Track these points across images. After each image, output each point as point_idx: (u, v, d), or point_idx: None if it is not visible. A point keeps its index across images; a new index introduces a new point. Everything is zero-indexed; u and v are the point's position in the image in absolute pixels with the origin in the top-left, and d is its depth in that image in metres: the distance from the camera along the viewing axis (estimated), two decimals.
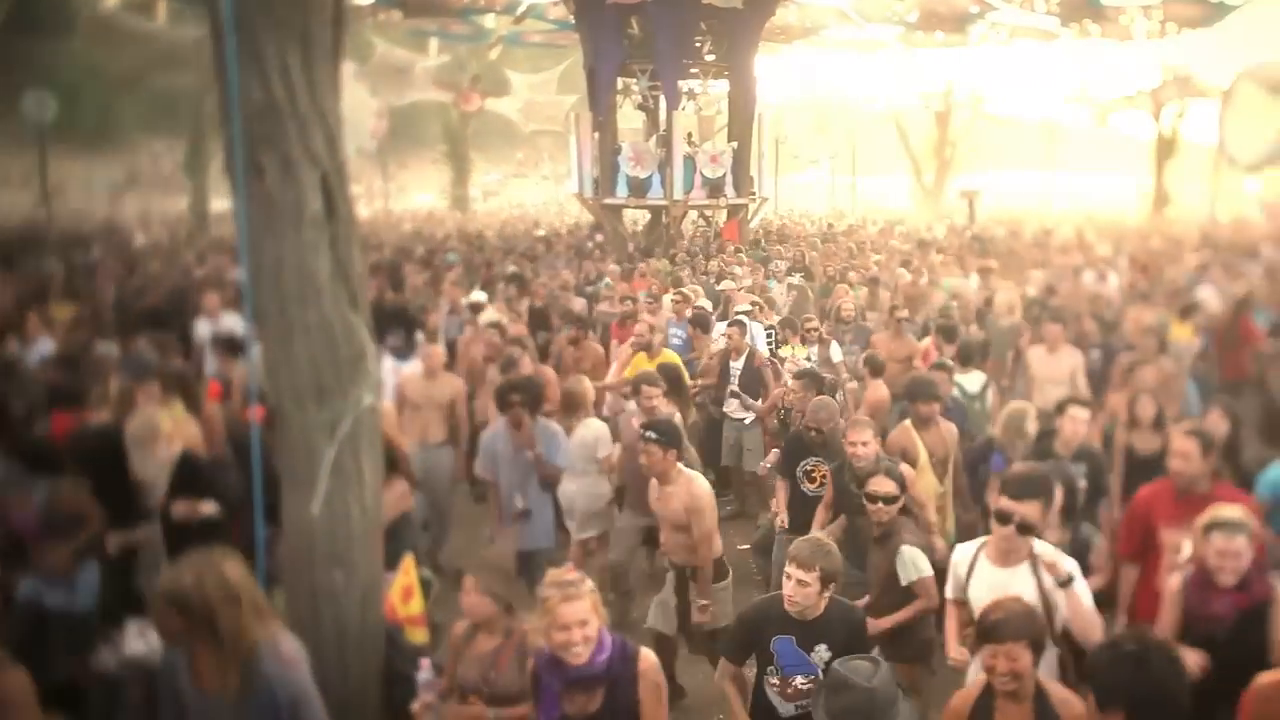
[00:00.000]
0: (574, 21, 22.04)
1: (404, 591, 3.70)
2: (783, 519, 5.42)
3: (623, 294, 9.77)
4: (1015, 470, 3.79)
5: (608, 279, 11.54)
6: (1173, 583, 3.52)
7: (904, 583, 4.05)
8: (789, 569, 3.40)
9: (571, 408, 5.74)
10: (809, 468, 5.35)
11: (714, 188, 19.84)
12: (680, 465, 4.64)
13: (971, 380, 6.59)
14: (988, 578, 3.50)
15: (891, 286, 11.58)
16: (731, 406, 7.21)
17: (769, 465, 5.90)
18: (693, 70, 20.69)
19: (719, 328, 7.98)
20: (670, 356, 7.07)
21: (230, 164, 3.10)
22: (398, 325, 7.66)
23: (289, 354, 3.15)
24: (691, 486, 4.56)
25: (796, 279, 11.53)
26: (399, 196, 41.98)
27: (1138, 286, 10.90)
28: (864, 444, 4.77)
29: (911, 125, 35.52)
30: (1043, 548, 3.49)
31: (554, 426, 5.61)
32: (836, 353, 7.64)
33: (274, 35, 3.02)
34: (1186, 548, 3.55)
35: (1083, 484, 4.64)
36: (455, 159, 42.18)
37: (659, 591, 4.97)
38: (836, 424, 5.46)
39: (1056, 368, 6.99)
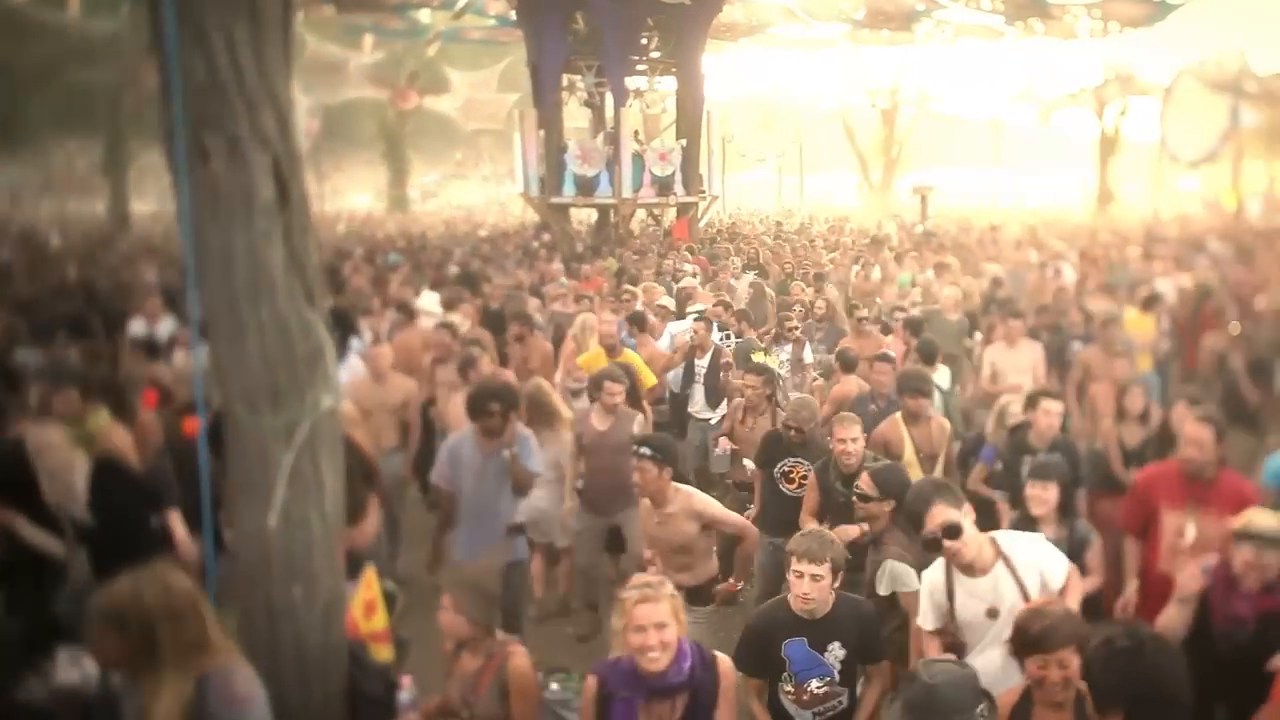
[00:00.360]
0: (515, 17, 21.84)
1: (366, 606, 3.53)
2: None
3: (576, 293, 9.66)
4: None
5: (563, 278, 11.42)
6: (1192, 584, 3.49)
7: (882, 592, 3.96)
8: (798, 566, 3.30)
9: (543, 416, 5.60)
10: (787, 468, 5.27)
11: (663, 186, 19.83)
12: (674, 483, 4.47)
13: (941, 376, 6.63)
14: (971, 590, 3.40)
15: (847, 283, 11.70)
16: (697, 406, 7.13)
17: (749, 466, 5.80)
18: (640, 67, 20.65)
19: (679, 325, 7.91)
20: (631, 356, 6.95)
21: (170, 148, 2.91)
22: (334, 327, 7.39)
23: (240, 354, 2.96)
24: (693, 502, 4.40)
25: (752, 276, 11.55)
26: (334, 198, 41.11)
27: (1089, 280, 11.18)
28: (852, 440, 4.71)
29: (858, 123, 36.00)
30: (1007, 541, 3.43)
31: (525, 430, 5.45)
32: (809, 353, 7.63)
33: (218, 7, 2.84)
34: (1190, 531, 3.56)
35: None
36: (393, 159, 41.50)
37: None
38: (817, 422, 5.42)
39: (1017, 361, 7.12)
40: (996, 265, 11.96)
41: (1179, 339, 8.18)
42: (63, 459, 4.65)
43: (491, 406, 5.06)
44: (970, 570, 3.38)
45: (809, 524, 4.88)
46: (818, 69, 32.54)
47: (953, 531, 3.30)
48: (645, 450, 4.32)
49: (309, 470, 3.06)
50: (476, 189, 47.66)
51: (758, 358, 7.00)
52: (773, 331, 8.41)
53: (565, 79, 20.57)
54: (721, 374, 7.09)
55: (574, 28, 19.91)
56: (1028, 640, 2.82)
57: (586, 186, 19.59)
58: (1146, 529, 4.15)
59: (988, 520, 4.32)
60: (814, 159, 36.94)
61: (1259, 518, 3.45)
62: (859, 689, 3.51)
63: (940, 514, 3.31)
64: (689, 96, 20.69)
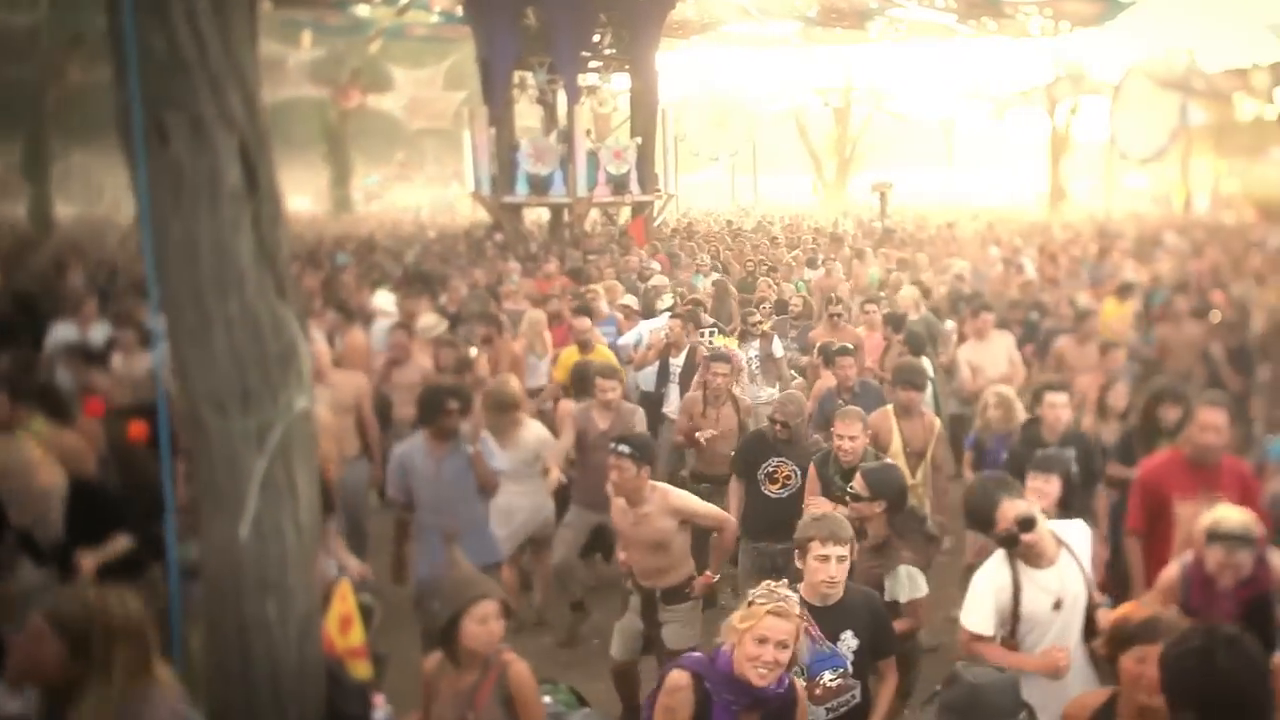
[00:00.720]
0: (463, 13, 21.60)
1: (342, 621, 3.36)
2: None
3: (529, 293, 9.64)
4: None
5: (515, 276, 11.31)
6: (1170, 572, 3.49)
7: (899, 599, 3.85)
8: (823, 550, 3.25)
9: (503, 408, 5.45)
10: (772, 469, 5.15)
11: (618, 185, 19.75)
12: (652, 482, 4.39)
13: (925, 367, 6.63)
14: (1041, 583, 3.34)
15: (808, 280, 11.76)
16: (671, 406, 7.03)
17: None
18: (592, 64, 20.56)
19: (653, 324, 7.83)
20: (604, 353, 6.86)
21: (125, 129, 2.72)
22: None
23: (207, 352, 2.78)
24: (670, 499, 4.32)
25: (715, 276, 11.54)
26: None
27: (1046, 273, 11.41)
28: (852, 438, 4.64)
29: (811, 122, 36.33)
30: (1059, 529, 3.42)
31: (484, 432, 5.31)
32: (778, 348, 7.58)
33: None
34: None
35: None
36: (335, 160, 40.76)
37: (615, 609, 4.74)
38: (805, 418, 5.35)
39: (993, 355, 7.17)
40: (962, 261, 12.10)
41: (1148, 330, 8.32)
42: (34, 479, 4.37)
43: (449, 405, 4.92)
44: (1039, 562, 3.36)
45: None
46: (771, 67, 32.83)
47: (1028, 524, 3.26)
48: (624, 448, 4.26)
49: (282, 477, 2.88)
50: (421, 190, 47.05)
51: (719, 341, 6.90)
52: (738, 329, 8.37)
53: (517, 76, 20.40)
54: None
55: (525, 23, 19.74)
56: (1128, 634, 2.75)
57: (540, 185, 19.43)
58: (1156, 526, 4.14)
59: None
60: (767, 158, 37.19)
61: (1227, 517, 3.41)
62: (870, 686, 3.47)
63: (1011, 509, 3.28)
64: (643, 94, 20.64)
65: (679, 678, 3.01)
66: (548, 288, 10.55)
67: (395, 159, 46.45)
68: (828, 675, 3.30)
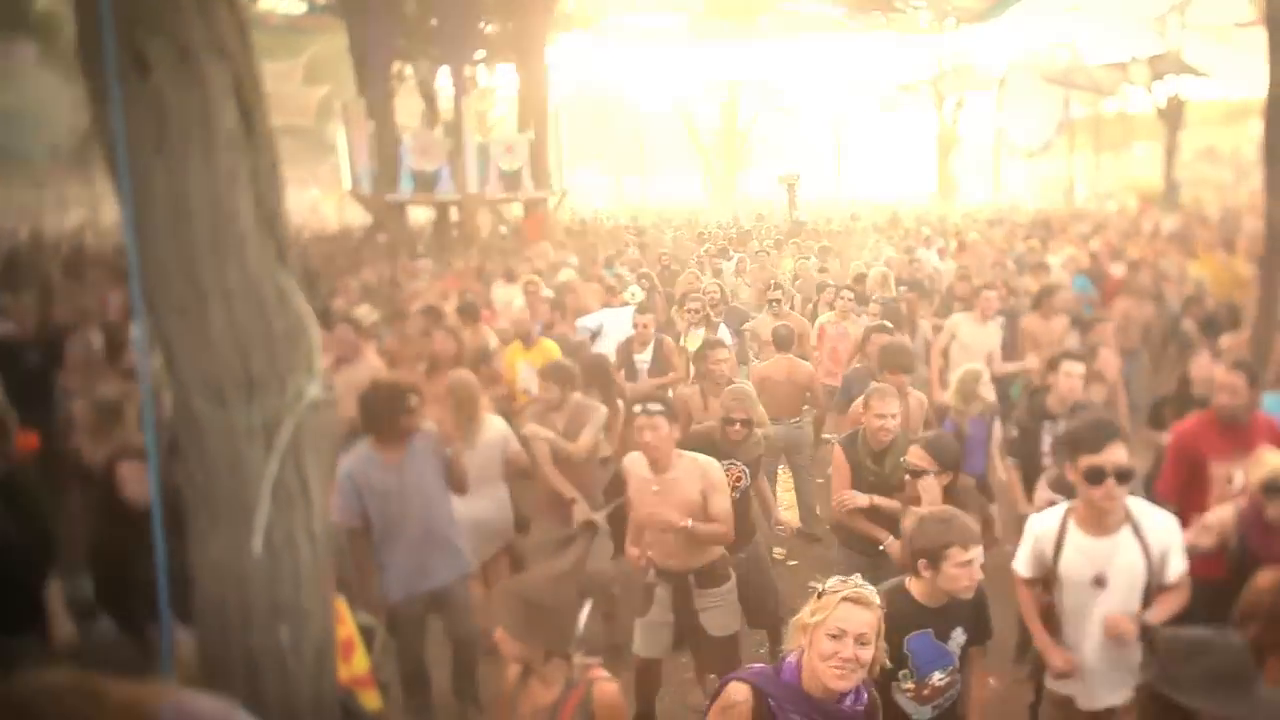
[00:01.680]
0: (327, 2, 20.80)
1: (344, 646, 2.99)
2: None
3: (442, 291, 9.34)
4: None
5: (424, 275, 10.92)
6: (1223, 515, 3.55)
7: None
8: (967, 555, 3.06)
9: (465, 404, 5.11)
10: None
11: (510, 181, 19.36)
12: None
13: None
14: (1084, 549, 3.30)
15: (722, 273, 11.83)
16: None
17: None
18: (478, 55, 20.13)
19: (606, 315, 7.64)
20: (549, 346, 6.58)
21: (92, 56, 2.31)
22: None
23: (201, 330, 2.38)
24: (698, 462, 4.12)
25: (641, 270, 11.43)
26: (109, 205, 37.71)
27: (959, 262, 11.79)
28: (892, 416, 4.50)
29: (700, 118, 36.70)
30: (1139, 507, 3.37)
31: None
32: (726, 335, 7.48)
33: None
34: (1238, 478, 3.61)
35: None
36: None
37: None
38: (759, 411, 5.17)
39: (984, 336, 7.28)
40: (890, 249, 12.39)
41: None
42: None
43: (410, 402, 4.54)
44: (1093, 527, 3.31)
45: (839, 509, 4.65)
46: (658, 62, 32.93)
47: (1125, 475, 3.21)
48: (655, 406, 4.04)
49: (293, 480, 2.50)
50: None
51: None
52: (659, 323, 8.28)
53: (395, 66, 19.77)
54: (670, 356, 6.85)
55: (405, 12, 19.15)
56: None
57: (426, 182, 18.85)
58: (1191, 488, 4.22)
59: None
60: (655, 156, 37.36)
61: None
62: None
63: (1116, 454, 3.22)
64: (533, 86, 20.33)
65: (738, 690, 2.76)
66: (455, 286, 10.32)
67: None
68: (938, 675, 3.17)
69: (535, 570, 3.10)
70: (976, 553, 3.10)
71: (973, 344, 7.24)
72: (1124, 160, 28.35)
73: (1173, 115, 22.33)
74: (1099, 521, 3.31)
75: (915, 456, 3.93)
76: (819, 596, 2.74)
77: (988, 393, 5.33)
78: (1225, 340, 6.10)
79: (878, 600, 2.74)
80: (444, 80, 20.73)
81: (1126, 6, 20.60)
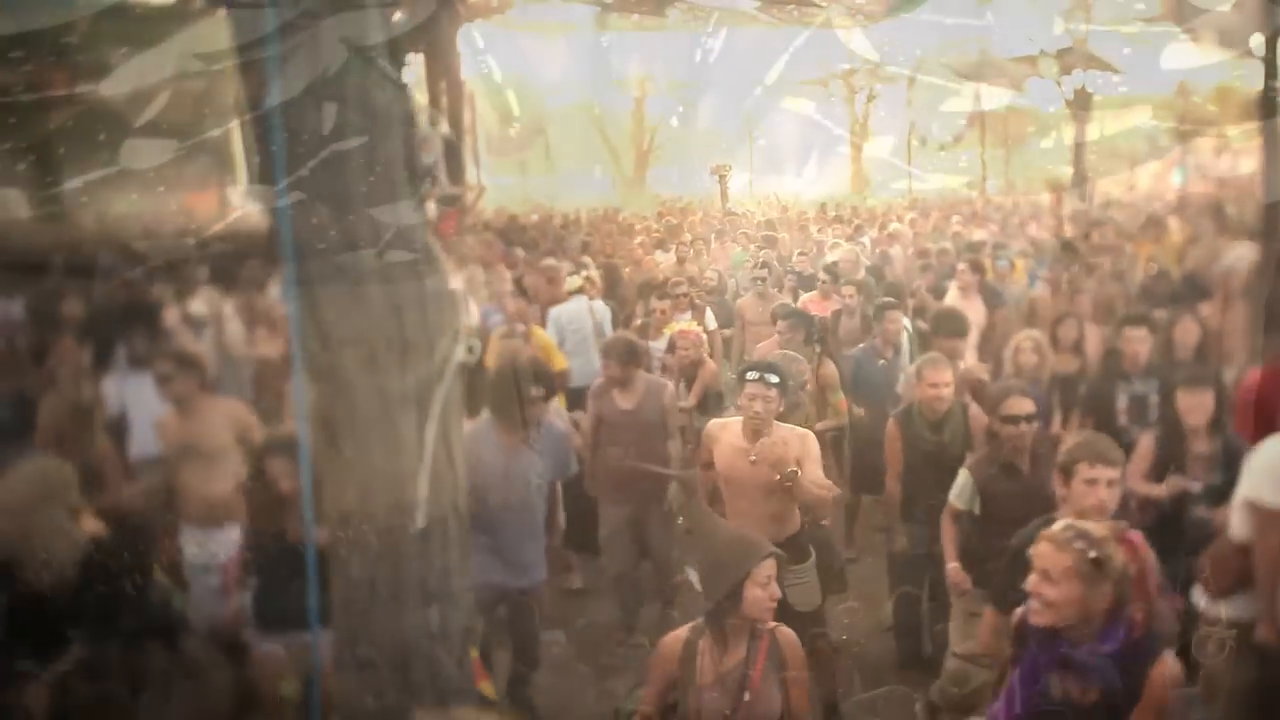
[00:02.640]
0: None
1: None
2: None
3: None
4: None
5: None
6: None
7: None
8: (1093, 473, 3.11)
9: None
10: None
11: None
12: None
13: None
14: None
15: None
16: None
17: None
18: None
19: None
20: (537, 334, 6.51)
21: None
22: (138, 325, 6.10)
23: (355, 287, 2.28)
24: (795, 431, 4.08)
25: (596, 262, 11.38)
26: None
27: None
28: (946, 384, 4.57)
29: (607, 114, 36.63)
30: None
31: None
32: (711, 320, 7.51)
33: None
34: None
35: (1155, 399, 4.86)
36: (40, 158, 36.40)
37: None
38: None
39: (973, 310, 7.44)
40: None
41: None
42: None
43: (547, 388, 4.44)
44: None
45: (894, 489, 4.72)
46: (563, 55, 32.64)
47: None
48: (771, 376, 3.98)
49: (442, 454, 2.41)
50: (148, 194, 43.03)
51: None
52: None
53: None
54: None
55: None
56: None
57: None
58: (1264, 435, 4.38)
59: None
60: (561, 153, 37.14)
61: None
62: None
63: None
64: (444, 76, 19.96)
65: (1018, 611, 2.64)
66: None
67: (116, 160, 42.22)
68: None
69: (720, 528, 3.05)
70: (1105, 472, 3.12)
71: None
72: (1033, 153, 29.72)
73: (1081, 108, 23.47)
74: None
75: (1015, 406, 4.00)
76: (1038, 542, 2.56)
77: (1045, 358, 5.46)
78: (1204, 308, 6.44)
79: (1081, 541, 2.50)
80: None
81: (1038, 1, 21.56)
